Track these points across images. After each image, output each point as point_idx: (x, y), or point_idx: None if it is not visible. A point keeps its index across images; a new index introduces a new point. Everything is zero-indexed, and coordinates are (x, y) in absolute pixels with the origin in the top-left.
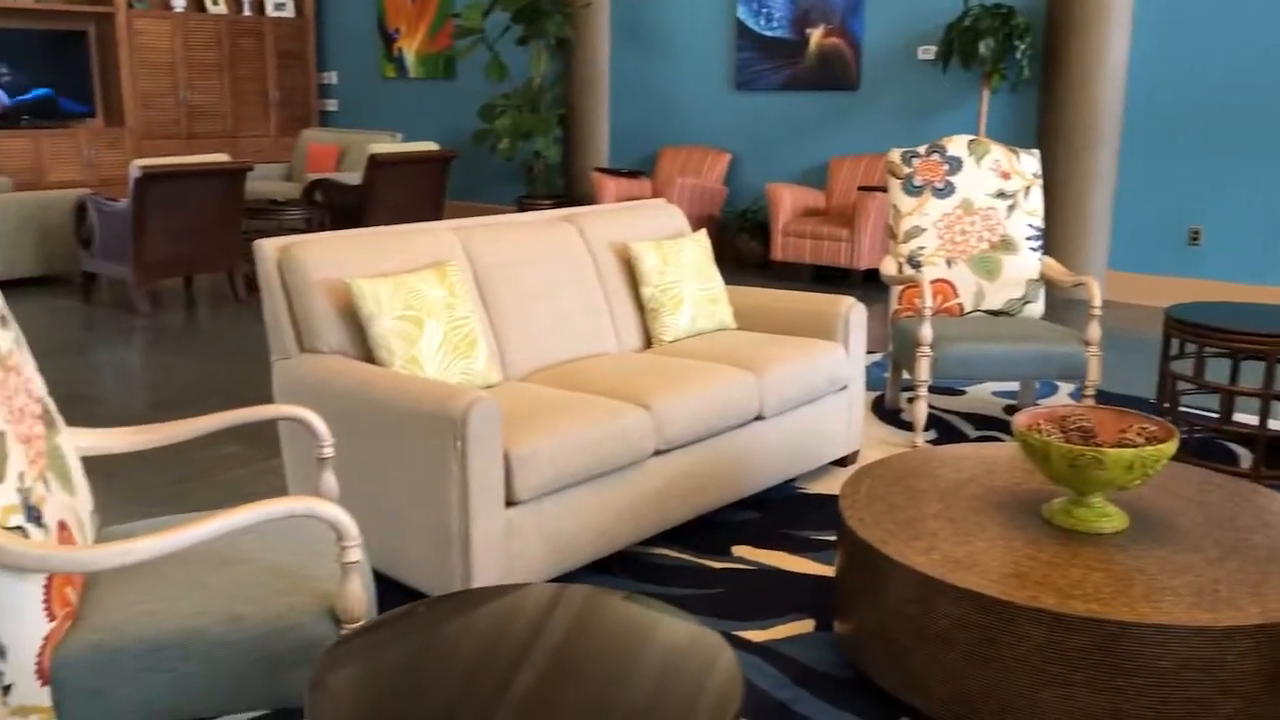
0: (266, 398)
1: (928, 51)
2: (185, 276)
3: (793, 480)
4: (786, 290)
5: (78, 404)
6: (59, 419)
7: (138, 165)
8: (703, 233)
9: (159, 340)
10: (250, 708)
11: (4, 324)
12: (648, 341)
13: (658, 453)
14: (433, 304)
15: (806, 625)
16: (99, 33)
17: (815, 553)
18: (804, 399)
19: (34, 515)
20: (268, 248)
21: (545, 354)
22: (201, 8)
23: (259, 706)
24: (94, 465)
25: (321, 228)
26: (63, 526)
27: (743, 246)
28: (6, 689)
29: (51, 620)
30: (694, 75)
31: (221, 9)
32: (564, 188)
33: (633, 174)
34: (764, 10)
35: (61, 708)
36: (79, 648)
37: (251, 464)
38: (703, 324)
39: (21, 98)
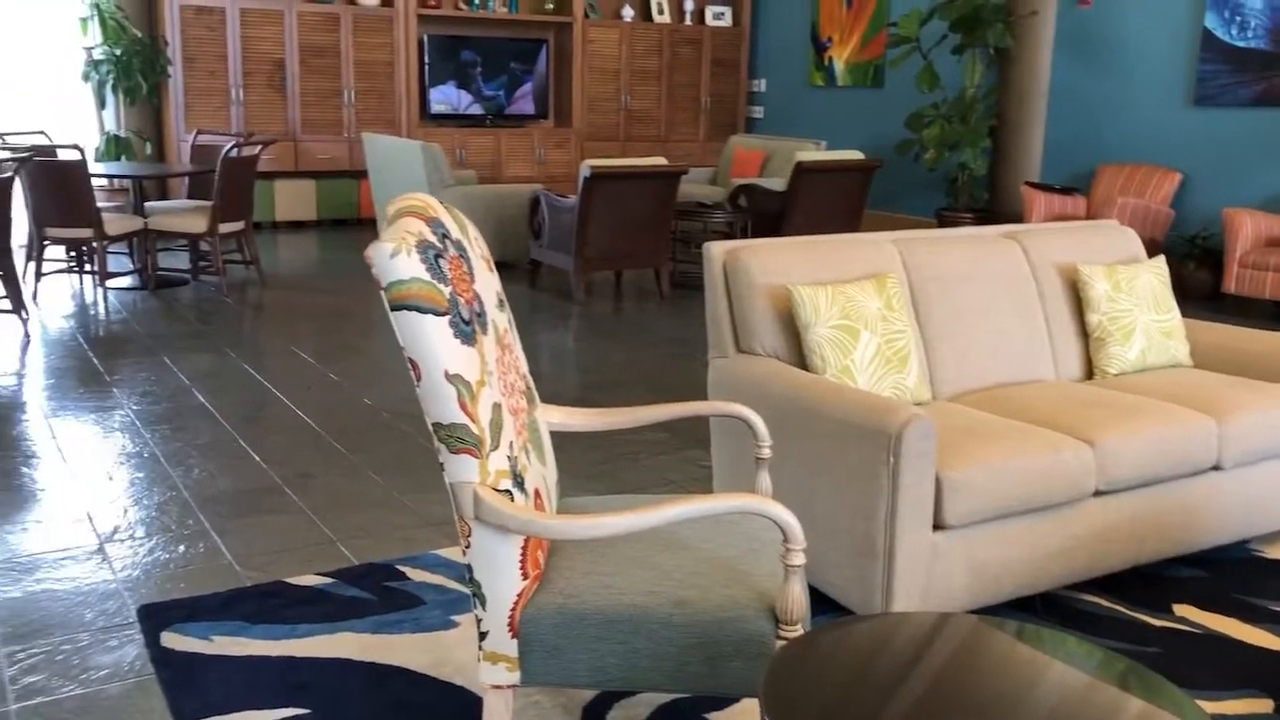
0: (686, 390)
1: None
2: (616, 271)
3: (1248, 540)
4: (1251, 329)
5: None
6: (536, 395)
7: (588, 165)
8: (1160, 259)
9: (591, 328)
10: (688, 690)
11: (502, 306)
12: (1089, 372)
13: (1098, 493)
14: (869, 315)
15: (1264, 704)
16: (557, 41)
17: (1276, 625)
18: (1272, 453)
19: (519, 481)
20: (715, 250)
21: (977, 375)
22: (648, 17)
23: (695, 690)
24: None
25: (744, 233)
26: (537, 494)
27: (1188, 275)
28: (483, 635)
29: (524, 579)
30: (1144, 89)
31: (665, 19)
32: (988, 201)
33: (1065, 190)
34: (1238, 19)
35: (525, 660)
36: (545, 609)
37: (672, 451)
38: (1154, 358)
39: (491, 99)
